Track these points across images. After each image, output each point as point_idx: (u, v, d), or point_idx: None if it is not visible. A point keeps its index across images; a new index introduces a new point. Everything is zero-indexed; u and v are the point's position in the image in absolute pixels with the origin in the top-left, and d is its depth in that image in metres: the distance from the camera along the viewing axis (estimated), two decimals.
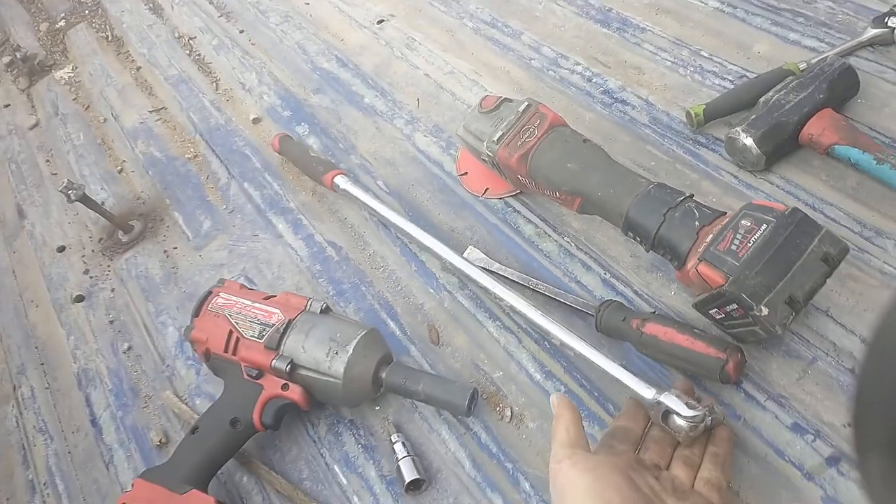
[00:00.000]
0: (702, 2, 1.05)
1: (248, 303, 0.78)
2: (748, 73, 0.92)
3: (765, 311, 0.59)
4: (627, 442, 0.60)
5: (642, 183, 0.73)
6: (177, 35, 1.44)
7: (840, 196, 0.78)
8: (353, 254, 0.92)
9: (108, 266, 1.04)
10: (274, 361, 0.73)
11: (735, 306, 0.62)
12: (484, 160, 0.86)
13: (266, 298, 0.79)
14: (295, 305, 0.77)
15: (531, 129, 0.80)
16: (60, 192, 1.00)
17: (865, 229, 0.74)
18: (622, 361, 0.68)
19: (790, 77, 0.83)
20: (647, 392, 0.63)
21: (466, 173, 0.94)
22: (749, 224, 0.63)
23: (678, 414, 0.60)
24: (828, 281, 0.63)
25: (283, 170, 1.06)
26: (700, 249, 0.65)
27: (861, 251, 0.73)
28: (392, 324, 0.83)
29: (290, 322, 0.75)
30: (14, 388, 0.95)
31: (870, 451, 0.27)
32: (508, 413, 0.73)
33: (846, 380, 0.66)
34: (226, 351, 0.76)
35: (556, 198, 0.80)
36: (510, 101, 0.85)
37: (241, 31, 1.38)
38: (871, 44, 0.88)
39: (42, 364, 0.96)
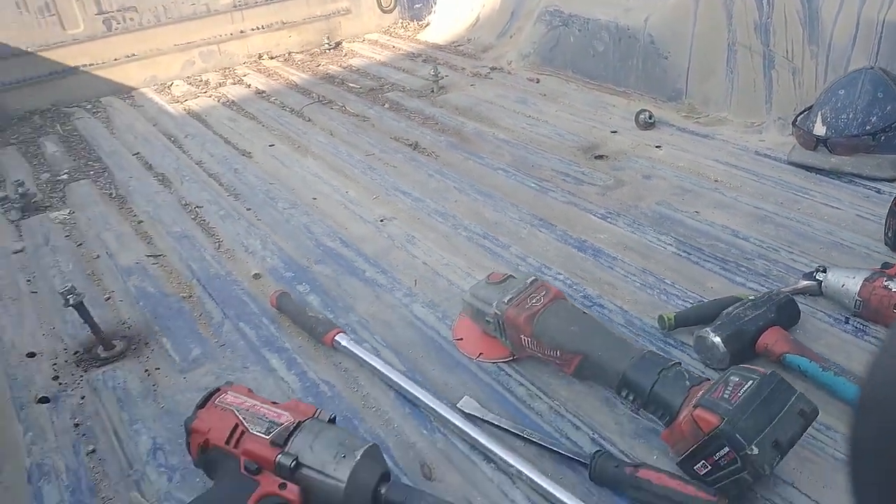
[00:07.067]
0: (662, 245, 1.27)
1: (257, 402, 0.79)
2: (704, 300, 1.09)
3: (755, 450, 0.67)
4: None
5: (637, 349, 0.84)
6: (183, 203, 1.56)
7: None
8: (345, 393, 0.95)
9: (82, 376, 1.02)
10: (279, 457, 0.73)
11: (726, 450, 0.70)
12: (488, 321, 0.95)
13: (273, 404, 0.81)
14: (304, 411, 0.79)
15: (538, 297, 0.92)
16: (60, 293, 1.02)
17: (818, 423, 0.85)
18: None
19: (744, 300, 1.00)
20: None
21: (462, 339, 1.03)
22: (737, 380, 0.74)
23: None
24: (792, 463, 0.72)
25: (281, 318, 1.12)
26: (694, 400, 0.74)
27: (816, 440, 0.83)
28: (384, 455, 0.85)
29: (299, 423, 0.76)
30: None
31: None
32: None
33: None
34: (227, 443, 0.75)
35: (554, 357, 0.89)
36: (515, 277, 0.98)
37: (249, 209, 1.51)
38: (803, 292, 1.08)
39: None
